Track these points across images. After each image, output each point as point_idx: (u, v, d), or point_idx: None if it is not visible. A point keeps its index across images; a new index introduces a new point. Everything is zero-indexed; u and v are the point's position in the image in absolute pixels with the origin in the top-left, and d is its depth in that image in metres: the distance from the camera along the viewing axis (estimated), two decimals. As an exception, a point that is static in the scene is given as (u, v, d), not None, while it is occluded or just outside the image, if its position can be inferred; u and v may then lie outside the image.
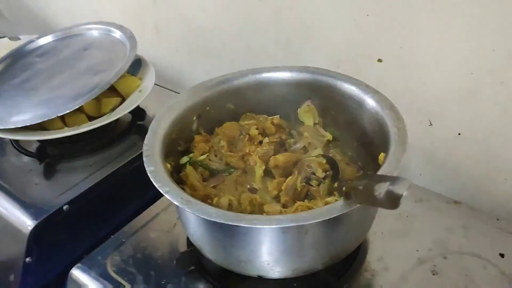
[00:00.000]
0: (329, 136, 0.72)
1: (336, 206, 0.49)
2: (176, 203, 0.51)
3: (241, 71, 0.73)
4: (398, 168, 0.53)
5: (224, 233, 0.54)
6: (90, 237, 0.78)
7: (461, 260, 0.65)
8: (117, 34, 0.95)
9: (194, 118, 0.69)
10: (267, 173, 0.67)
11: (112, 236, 0.71)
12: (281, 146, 0.71)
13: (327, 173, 0.65)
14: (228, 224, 0.49)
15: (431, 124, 0.82)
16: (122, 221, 0.75)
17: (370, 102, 0.65)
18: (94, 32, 0.97)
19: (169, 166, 0.59)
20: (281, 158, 0.66)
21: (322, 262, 0.56)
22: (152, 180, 0.54)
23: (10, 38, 1.20)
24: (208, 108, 0.71)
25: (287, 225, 0.47)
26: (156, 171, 0.55)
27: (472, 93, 0.74)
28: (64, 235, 0.77)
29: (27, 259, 0.73)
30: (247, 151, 0.68)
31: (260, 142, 0.71)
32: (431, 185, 0.85)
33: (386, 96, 0.83)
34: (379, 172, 0.53)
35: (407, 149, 0.55)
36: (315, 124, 0.74)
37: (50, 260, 0.76)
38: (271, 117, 0.73)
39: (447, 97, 0.77)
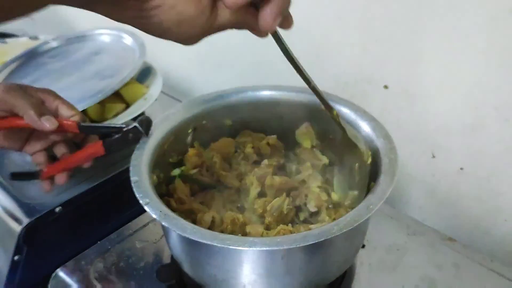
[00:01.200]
0: (325, 161, 0.71)
1: (313, 233, 0.48)
2: (154, 216, 0.50)
3: (241, 87, 0.73)
4: (383, 200, 0.52)
5: (201, 250, 0.53)
6: (80, 241, 0.77)
7: (448, 300, 0.62)
8: (128, 40, 0.96)
9: (189, 131, 0.69)
10: (262, 194, 0.66)
11: (99, 242, 0.71)
12: (280, 170, 0.70)
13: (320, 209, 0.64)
14: (201, 242, 0.48)
15: (434, 157, 0.80)
16: (114, 228, 0.75)
17: (365, 129, 0.63)
18: (106, 37, 0.99)
19: (155, 177, 0.58)
20: (278, 179, 0.65)
21: (300, 289, 0.55)
22: (134, 190, 0.54)
23: (30, 38, 1.22)
24: (204, 122, 0.70)
25: (259, 248, 0.46)
26: (139, 181, 0.55)
27: (476, 128, 0.72)
28: (55, 237, 0.77)
29: (16, 257, 0.74)
30: (243, 170, 0.67)
31: (255, 162, 0.71)
32: (430, 220, 0.83)
33: (390, 124, 0.82)
34: (365, 201, 0.52)
35: (396, 181, 0.54)
36: (312, 147, 0.73)
37: (39, 261, 0.76)
38: (267, 137, 0.72)
39: (451, 130, 0.76)
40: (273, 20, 0.44)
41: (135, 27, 0.44)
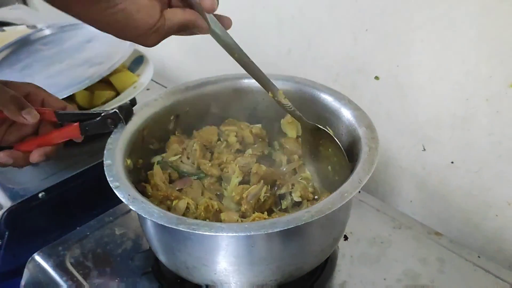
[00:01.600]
0: None
1: (282, 220, 0.46)
2: (122, 199, 0.49)
3: (226, 74, 0.72)
4: (358, 188, 0.50)
5: (171, 236, 0.52)
6: (63, 227, 0.77)
7: (430, 294, 0.61)
8: (120, 29, 0.95)
9: (172, 118, 0.68)
10: (244, 184, 0.65)
11: (78, 227, 0.70)
12: (263, 159, 0.69)
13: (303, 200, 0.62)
14: (170, 227, 0.47)
15: (424, 149, 0.78)
16: (97, 215, 0.74)
17: (349, 117, 0.62)
18: (99, 25, 0.98)
19: (129, 162, 0.57)
20: (264, 168, 0.64)
21: (273, 278, 0.53)
22: (106, 173, 0.53)
23: (28, 26, 1.23)
24: (188, 109, 0.69)
25: (225, 234, 0.45)
26: (112, 165, 0.54)
27: (467, 120, 0.70)
28: (37, 222, 0.77)
29: (-3, 242, 0.74)
30: (224, 159, 0.66)
31: (238, 151, 0.69)
32: (421, 214, 0.81)
33: (381, 115, 0.80)
34: (340, 189, 0.50)
35: (373, 170, 0.52)
36: (298, 136, 0.71)
37: (20, 246, 0.76)
38: (251, 126, 0.71)
39: (442, 122, 0.74)
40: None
41: (102, 23, 0.50)
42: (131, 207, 0.48)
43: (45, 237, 0.76)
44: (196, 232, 0.45)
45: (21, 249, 0.76)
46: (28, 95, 0.62)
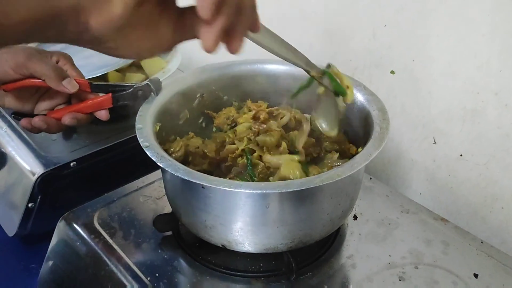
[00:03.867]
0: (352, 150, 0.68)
1: (295, 182, 0.51)
2: (151, 157, 0.54)
3: (251, 59, 0.76)
4: (368, 160, 0.54)
5: (193, 194, 0.57)
6: (91, 196, 0.82)
7: (432, 272, 0.64)
8: (153, 17, 1.01)
9: (198, 96, 0.73)
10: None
11: (106, 194, 0.75)
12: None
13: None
14: (195, 184, 0.51)
15: (435, 142, 0.82)
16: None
17: (364, 102, 0.66)
18: (133, 13, 1.05)
19: (157, 127, 0.63)
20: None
21: (284, 242, 0.58)
22: (137, 135, 0.58)
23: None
24: (214, 88, 0.74)
25: (243, 190, 0.50)
26: (142, 128, 0.59)
27: (476, 114, 0.74)
28: (67, 189, 0.82)
29: (30, 204, 0.79)
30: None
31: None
32: (430, 206, 0.84)
33: (395, 108, 0.84)
34: (351, 160, 0.55)
35: (383, 146, 0.56)
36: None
37: (50, 210, 0.81)
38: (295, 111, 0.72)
39: (452, 115, 0.77)
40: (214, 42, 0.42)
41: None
42: (159, 164, 0.53)
43: (74, 204, 0.81)
44: (217, 187, 0.50)
45: (51, 214, 0.81)
46: (57, 63, 0.67)
